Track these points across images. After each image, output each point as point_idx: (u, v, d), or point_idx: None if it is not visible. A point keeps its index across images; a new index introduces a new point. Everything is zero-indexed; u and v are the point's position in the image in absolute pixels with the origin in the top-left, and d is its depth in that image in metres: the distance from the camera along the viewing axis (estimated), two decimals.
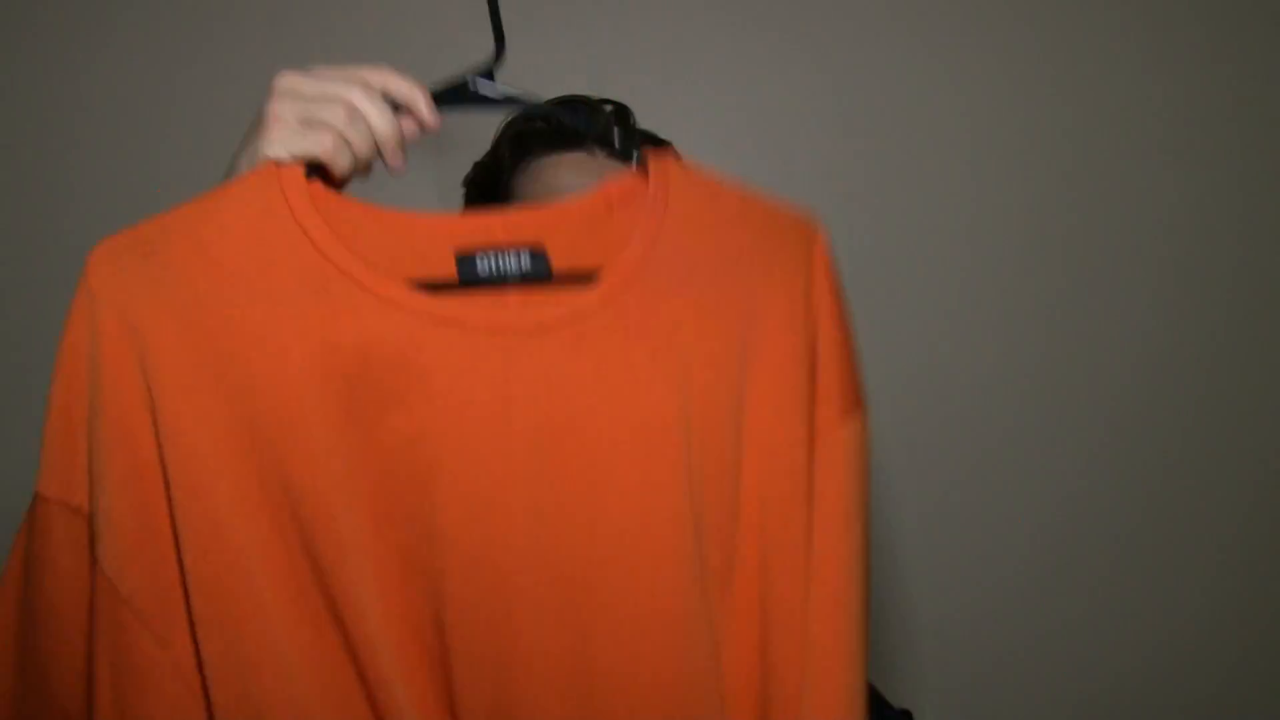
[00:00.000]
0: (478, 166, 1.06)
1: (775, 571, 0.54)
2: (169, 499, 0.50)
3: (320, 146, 0.55)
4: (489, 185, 1.03)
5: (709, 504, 0.53)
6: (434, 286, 0.52)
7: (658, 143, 1.03)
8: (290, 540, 0.51)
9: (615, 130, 0.99)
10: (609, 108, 1.01)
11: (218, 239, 0.52)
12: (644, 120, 1.02)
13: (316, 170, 0.54)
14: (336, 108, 0.56)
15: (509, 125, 1.02)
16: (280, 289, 0.51)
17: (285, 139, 0.56)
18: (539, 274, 0.53)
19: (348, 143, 0.56)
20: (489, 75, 0.61)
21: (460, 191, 1.06)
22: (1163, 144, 1.46)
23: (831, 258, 0.60)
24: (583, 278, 0.53)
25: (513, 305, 0.53)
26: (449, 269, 0.53)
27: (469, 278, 0.53)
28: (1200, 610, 1.48)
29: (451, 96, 0.60)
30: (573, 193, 0.90)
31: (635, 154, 0.62)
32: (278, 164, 0.54)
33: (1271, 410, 1.49)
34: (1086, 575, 1.47)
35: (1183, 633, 1.48)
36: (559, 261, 0.53)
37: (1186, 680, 1.48)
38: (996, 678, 1.47)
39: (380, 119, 0.57)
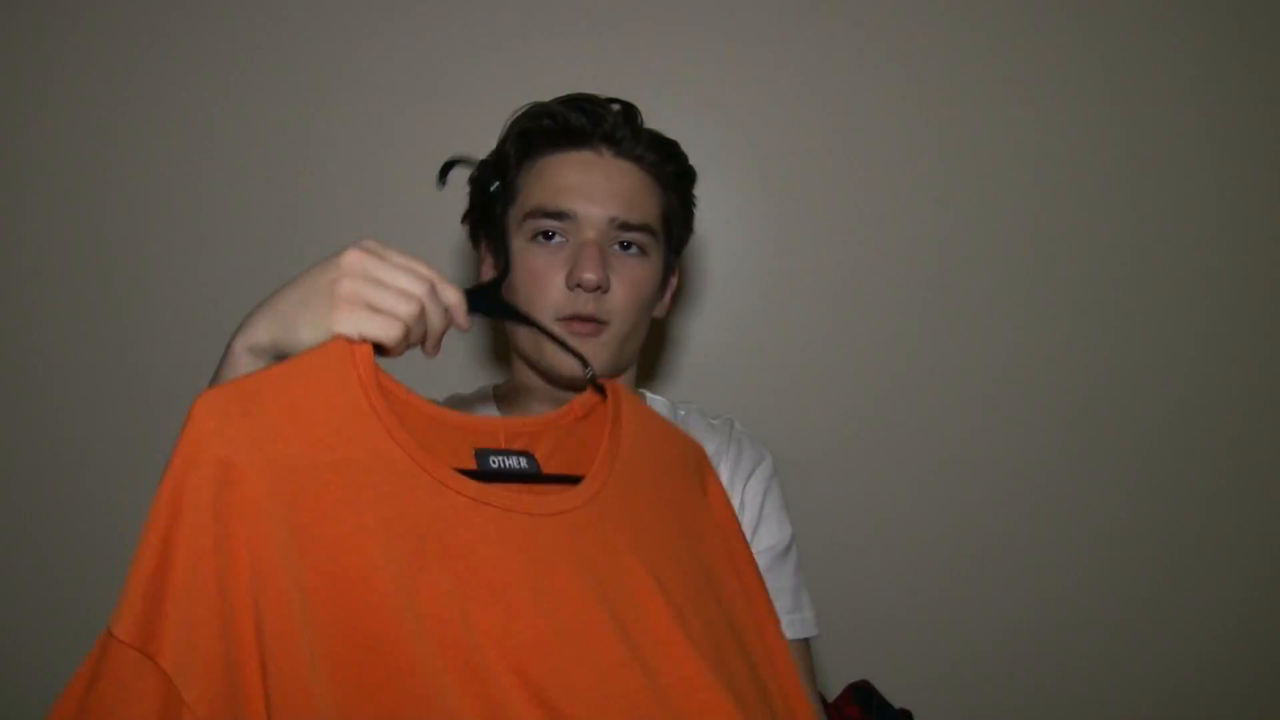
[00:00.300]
0: (483, 165, 1.03)
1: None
2: (260, 651, 0.53)
3: (389, 335, 0.62)
4: (499, 180, 1.01)
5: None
6: (467, 474, 0.65)
7: (665, 144, 1.03)
8: (369, 686, 0.55)
9: (624, 128, 0.99)
10: (616, 106, 1.00)
11: (306, 408, 0.58)
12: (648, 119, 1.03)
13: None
14: (411, 304, 0.63)
15: (514, 123, 1.01)
16: (358, 462, 0.59)
17: (357, 321, 0.62)
18: (534, 473, 0.69)
19: (409, 332, 0.64)
20: (499, 289, 0.75)
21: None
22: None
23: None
24: (569, 479, 0.69)
25: (525, 495, 0.66)
26: (470, 462, 0.69)
27: (484, 470, 0.70)
28: (1213, 624, 1.51)
29: (479, 305, 0.71)
30: (577, 191, 0.96)
31: (592, 377, 0.74)
32: (350, 342, 0.61)
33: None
34: (1089, 577, 1.50)
35: (1190, 641, 1.50)
36: (546, 465, 0.70)
37: (1192, 688, 1.51)
38: (996, 678, 1.49)
39: (438, 319, 0.65)
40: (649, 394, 1.17)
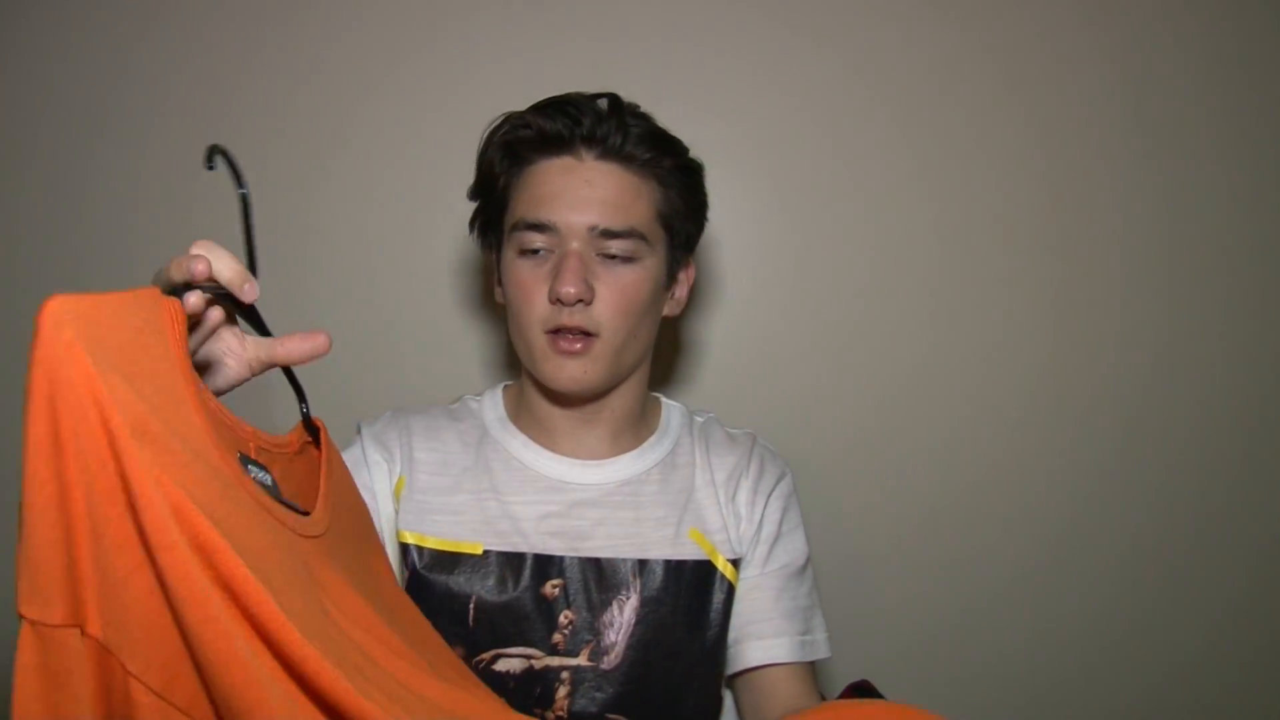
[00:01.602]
0: (479, 174, 1.05)
1: None
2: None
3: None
4: (487, 194, 1.04)
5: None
6: None
7: (657, 139, 1.00)
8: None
9: (606, 126, 0.98)
10: (602, 101, 0.99)
11: (136, 350, 0.51)
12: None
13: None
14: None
15: (494, 133, 1.02)
16: (177, 430, 0.52)
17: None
18: (276, 493, 0.65)
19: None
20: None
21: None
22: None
23: None
24: (303, 510, 0.67)
25: (289, 519, 0.63)
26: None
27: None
28: (1212, 620, 1.47)
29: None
30: (557, 200, 0.96)
31: (307, 415, 0.75)
32: (162, 295, 0.57)
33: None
34: (1089, 582, 1.47)
35: (1193, 645, 1.48)
36: (284, 488, 0.68)
37: (1193, 692, 1.48)
38: (997, 679, 1.48)
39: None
40: (665, 399, 1.15)
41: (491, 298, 1.41)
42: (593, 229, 0.95)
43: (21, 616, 0.45)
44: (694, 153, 1.05)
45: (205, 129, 1.45)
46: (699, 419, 1.13)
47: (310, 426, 0.74)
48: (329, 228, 1.45)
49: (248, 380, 0.70)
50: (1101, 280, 1.45)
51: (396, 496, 1.03)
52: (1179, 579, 1.47)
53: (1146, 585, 1.47)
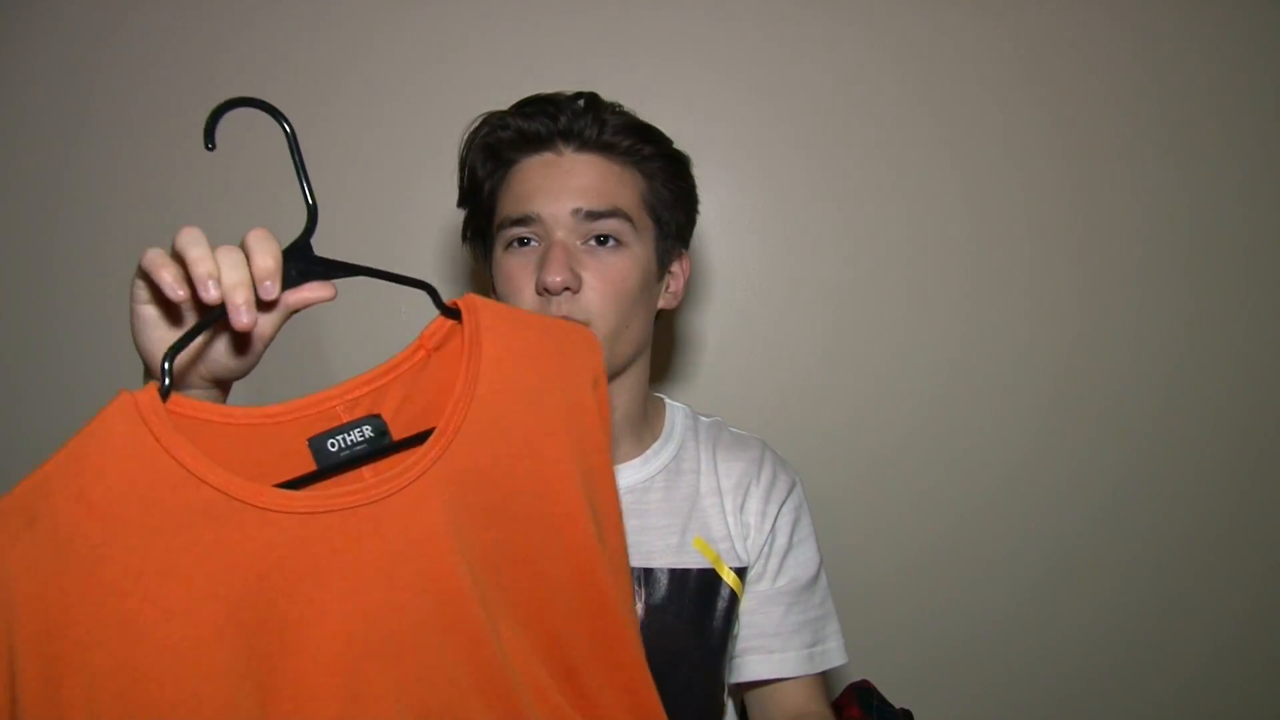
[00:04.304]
0: (463, 181, 1.05)
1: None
2: None
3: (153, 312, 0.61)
4: (474, 200, 1.02)
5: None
6: (302, 480, 0.57)
7: (637, 128, 0.99)
8: None
9: (584, 120, 0.97)
10: (579, 100, 0.98)
11: (96, 485, 0.52)
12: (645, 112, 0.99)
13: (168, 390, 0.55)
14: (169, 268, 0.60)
15: (475, 136, 1.00)
16: (169, 523, 0.53)
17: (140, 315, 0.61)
18: (381, 440, 0.58)
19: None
20: (307, 246, 0.64)
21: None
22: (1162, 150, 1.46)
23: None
24: (419, 437, 0.59)
25: (368, 480, 0.58)
26: (308, 460, 0.58)
27: (325, 462, 0.58)
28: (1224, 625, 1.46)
29: (302, 265, 0.63)
30: (539, 192, 0.94)
31: (440, 303, 0.66)
32: (130, 392, 0.55)
33: None
34: (1089, 587, 1.46)
35: (1216, 653, 1.46)
36: (395, 420, 0.59)
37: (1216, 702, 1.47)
38: (996, 679, 1.46)
39: (235, 277, 0.59)
40: (668, 400, 1.13)
41: None
42: (576, 212, 0.94)
43: None
44: (690, 147, 1.04)
45: (191, 127, 1.34)
46: (704, 420, 1.11)
47: (450, 311, 0.65)
48: (323, 228, 1.35)
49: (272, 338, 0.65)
50: (1121, 287, 1.43)
51: None
52: (1200, 586, 1.45)
53: (1167, 594, 1.45)
